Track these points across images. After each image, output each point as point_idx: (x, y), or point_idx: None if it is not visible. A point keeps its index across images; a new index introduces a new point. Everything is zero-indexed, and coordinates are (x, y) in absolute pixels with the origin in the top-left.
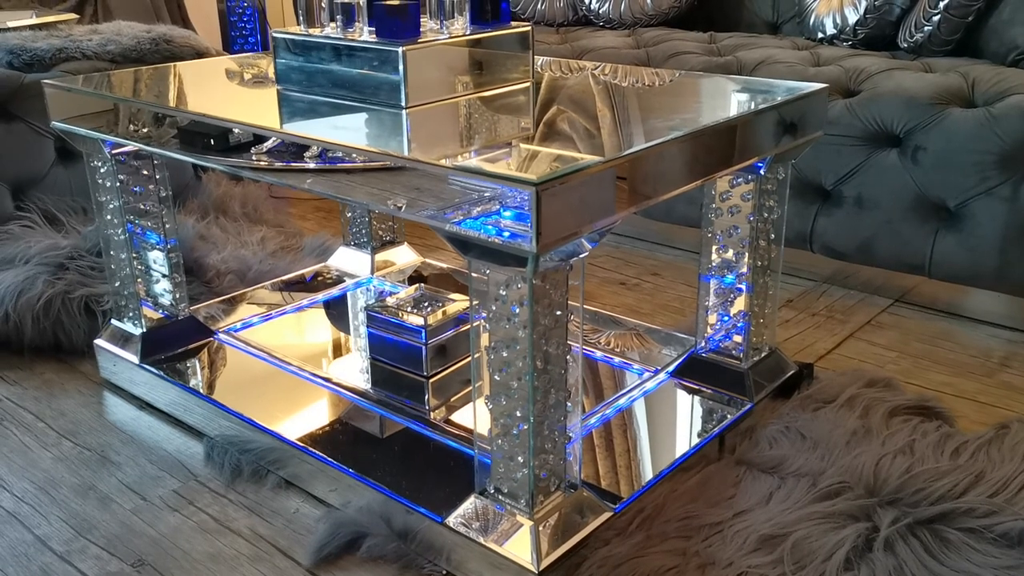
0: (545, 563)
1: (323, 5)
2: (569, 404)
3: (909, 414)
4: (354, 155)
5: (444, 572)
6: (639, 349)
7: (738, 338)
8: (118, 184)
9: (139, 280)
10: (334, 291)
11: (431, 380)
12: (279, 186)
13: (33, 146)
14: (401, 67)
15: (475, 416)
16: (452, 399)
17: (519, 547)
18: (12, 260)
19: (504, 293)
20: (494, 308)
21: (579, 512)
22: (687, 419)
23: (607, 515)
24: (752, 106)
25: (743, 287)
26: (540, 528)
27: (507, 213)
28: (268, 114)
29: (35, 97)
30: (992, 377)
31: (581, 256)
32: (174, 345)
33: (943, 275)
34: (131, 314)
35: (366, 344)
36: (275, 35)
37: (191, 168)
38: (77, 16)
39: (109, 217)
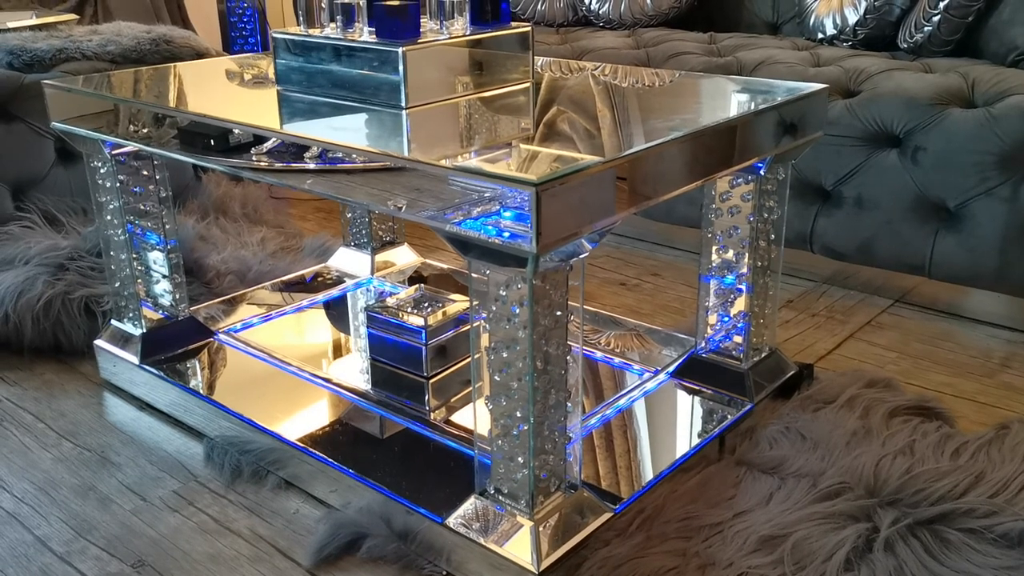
0: (545, 564)
1: (323, 5)
2: (569, 404)
3: (909, 415)
4: (354, 156)
5: (444, 573)
6: (639, 349)
7: (738, 338)
8: (118, 185)
9: (139, 281)
10: (334, 292)
11: (431, 381)
12: (279, 187)
13: (33, 147)
14: (401, 67)
15: (475, 417)
16: (452, 400)
17: (519, 548)
18: (12, 261)
19: (504, 293)
20: (494, 308)
21: (579, 513)
22: (687, 419)
23: (607, 516)
24: (752, 106)
25: (743, 287)
26: (540, 529)
27: (507, 213)
28: (268, 115)
29: (35, 97)
30: (992, 377)
31: (581, 256)
32: (174, 346)
33: (943, 275)
34: (131, 315)
35: (366, 345)
36: (275, 35)
37: (191, 169)
38: (77, 17)
39: (109, 218)
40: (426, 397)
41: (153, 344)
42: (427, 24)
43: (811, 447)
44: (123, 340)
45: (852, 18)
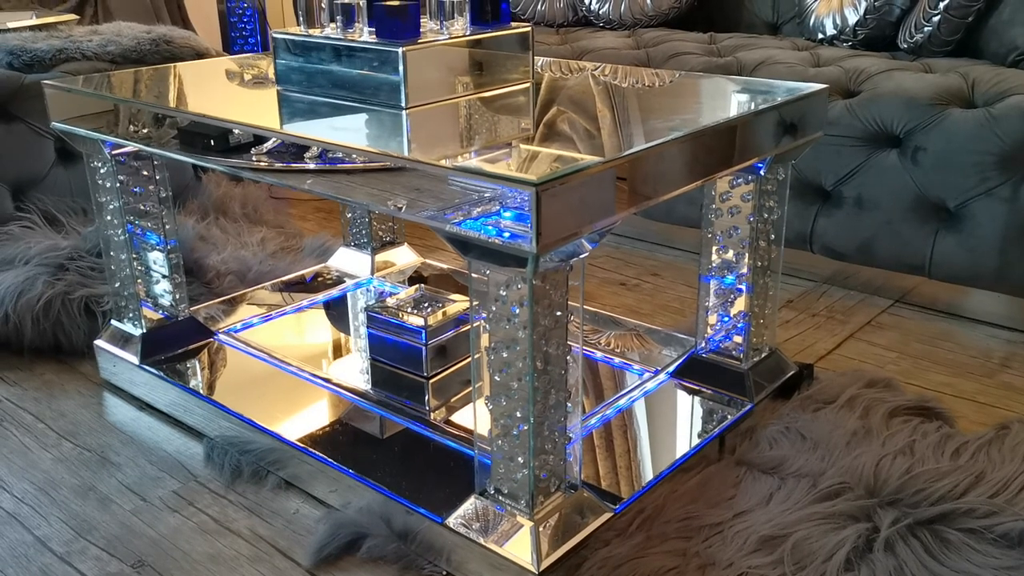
0: (545, 564)
1: (323, 6)
2: (569, 405)
3: (909, 415)
4: (354, 156)
5: (444, 573)
6: (639, 350)
7: (738, 339)
8: (118, 185)
9: (139, 281)
10: (334, 292)
11: (431, 381)
12: (279, 187)
13: (33, 147)
14: (401, 68)
15: (475, 417)
16: (452, 400)
17: (519, 548)
18: (12, 261)
19: (504, 294)
20: (494, 309)
21: (579, 513)
22: (687, 420)
23: (607, 516)
24: (752, 107)
25: (743, 288)
26: (540, 529)
27: (507, 214)
28: (268, 115)
29: (35, 98)
30: (992, 378)
31: (581, 256)
32: (174, 346)
33: (943, 276)
34: (131, 315)
35: (366, 345)
36: (275, 36)
37: (191, 169)
38: (77, 17)
39: (109, 218)
40: (426, 397)
41: (153, 344)
42: (427, 24)
43: (811, 447)
44: (123, 340)
45: (852, 18)
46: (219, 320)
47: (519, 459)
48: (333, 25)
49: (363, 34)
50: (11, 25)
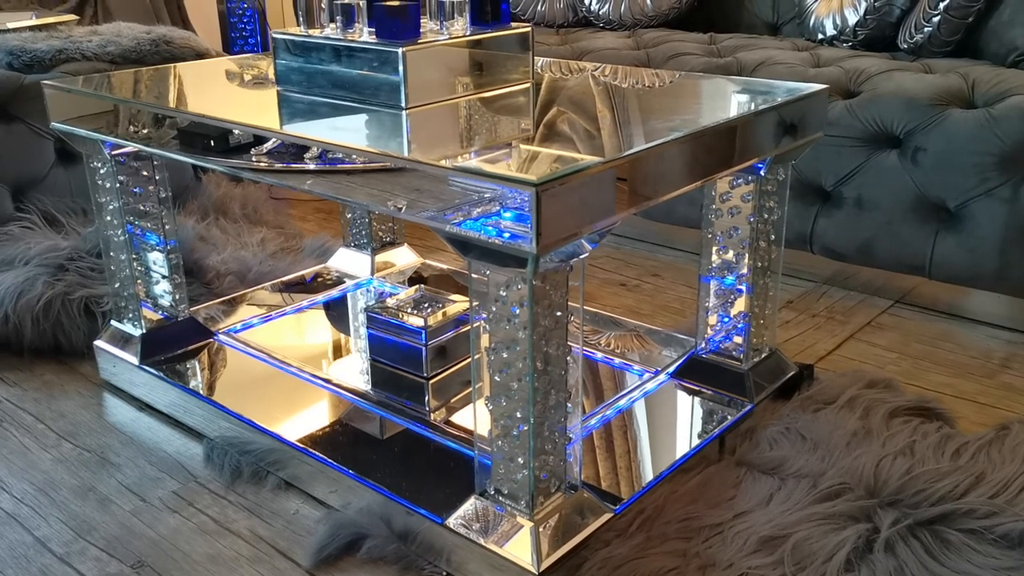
0: (545, 564)
1: (323, 6)
2: (569, 405)
3: (909, 415)
4: (354, 156)
5: (444, 573)
6: (639, 350)
7: (738, 339)
8: (118, 185)
9: (139, 281)
10: (334, 292)
11: (431, 381)
12: (279, 187)
13: (33, 147)
14: (401, 68)
15: (475, 417)
16: (452, 400)
17: (519, 548)
18: (12, 261)
19: (504, 294)
20: (494, 309)
21: (579, 513)
22: (687, 420)
23: (607, 516)
24: (752, 107)
25: (743, 288)
26: (540, 529)
27: (507, 214)
28: (268, 115)
29: (35, 98)
30: (992, 378)
31: (581, 257)
32: (174, 346)
33: (943, 276)
34: (131, 315)
35: (366, 345)
36: (275, 36)
37: (191, 169)
38: (77, 17)
39: (109, 218)
40: (426, 398)
41: (153, 345)
42: (427, 24)
43: (811, 448)
44: (123, 341)
45: (852, 19)
46: (219, 320)
47: (519, 459)
48: (333, 25)
49: (363, 34)
50: (11, 25)
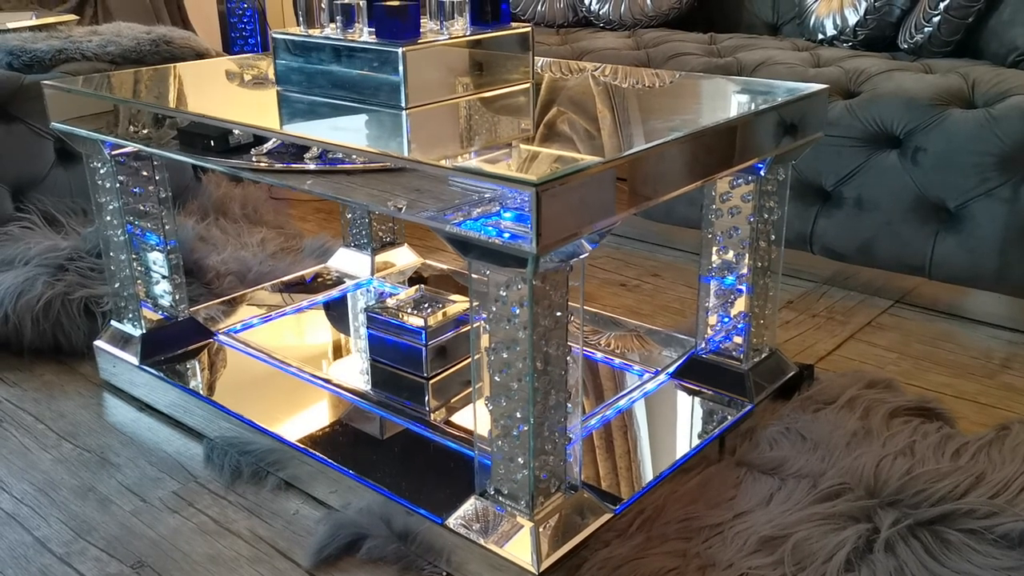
0: (545, 564)
1: (323, 6)
2: (569, 405)
3: (910, 415)
4: (354, 156)
5: (444, 573)
6: (639, 350)
7: (738, 339)
8: (118, 185)
9: (139, 281)
10: (334, 292)
11: (431, 381)
12: (279, 187)
13: (33, 147)
14: (401, 68)
15: (475, 417)
16: (452, 400)
17: (519, 548)
18: (12, 261)
19: (504, 294)
20: (494, 309)
21: (579, 513)
22: (687, 420)
23: (607, 516)
24: (752, 107)
25: (743, 288)
26: (540, 529)
27: (507, 214)
28: (268, 115)
29: (35, 98)
30: (993, 378)
31: (581, 257)
32: (174, 346)
33: (943, 276)
34: (131, 315)
35: (366, 345)
36: (275, 36)
37: (191, 169)
38: (77, 17)
39: (109, 218)
40: (426, 398)
41: (153, 345)
42: (427, 24)
43: (811, 448)
44: (123, 341)
45: (852, 19)
46: (219, 321)
47: (519, 460)
48: (333, 25)
49: (363, 34)
50: (11, 25)
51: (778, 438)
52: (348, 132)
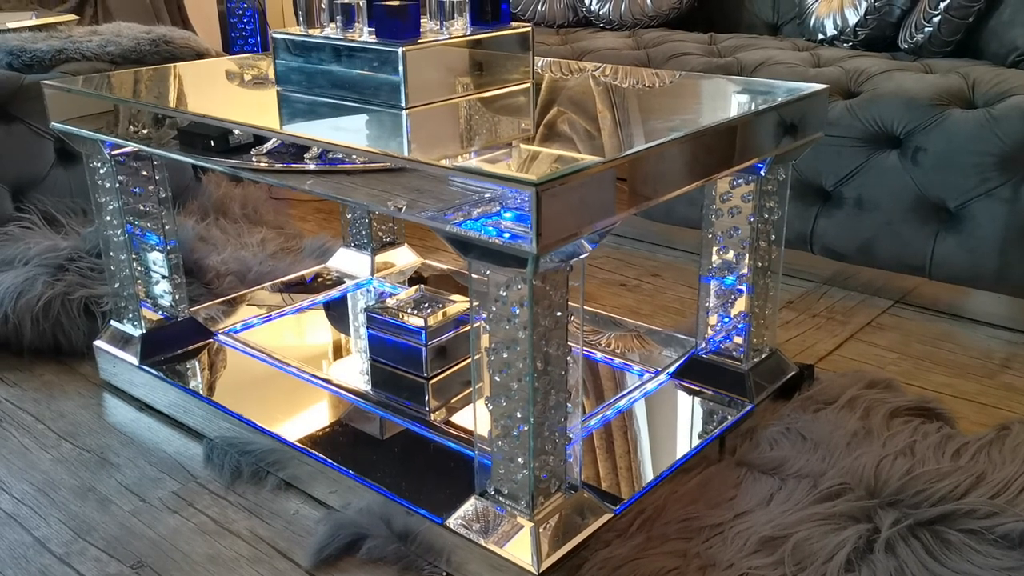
0: (545, 565)
1: (323, 6)
2: (569, 405)
3: (910, 415)
4: (354, 156)
5: (444, 574)
6: (639, 350)
7: (738, 339)
8: (118, 185)
9: (139, 281)
10: (334, 292)
11: (431, 381)
12: (279, 187)
13: (33, 147)
14: (401, 68)
15: (475, 417)
16: (452, 400)
17: (519, 548)
18: (12, 261)
19: (504, 294)
20: (494, 309)
21: (579, 513)
22: (687, 420)
23: (607, 516)
24: (752, 107)
25: (743, 288)
26: (540, 530)
27: (507, 214)
28: (268, 115)
29: (35, 98)
30: (993, 378)
31: (581, 257)
32: (174, 346)
33: (943, 276)
34: (131, 315)
35: (366, 345)
36: (275, 36)
37: (191, 169)
38: (77, 17)
39: (109, 218)
40: (426, 398)
41: (153, 345)
42: (427, 24)
43: (812, 448)
44: (123, 341)
45: (852, 19)
46: (219, 321)
47: (519, 460)
48: (333, 25)
49: (363, 34)
50: (11, 25)
51: (778, 438)
52: (348, 132)
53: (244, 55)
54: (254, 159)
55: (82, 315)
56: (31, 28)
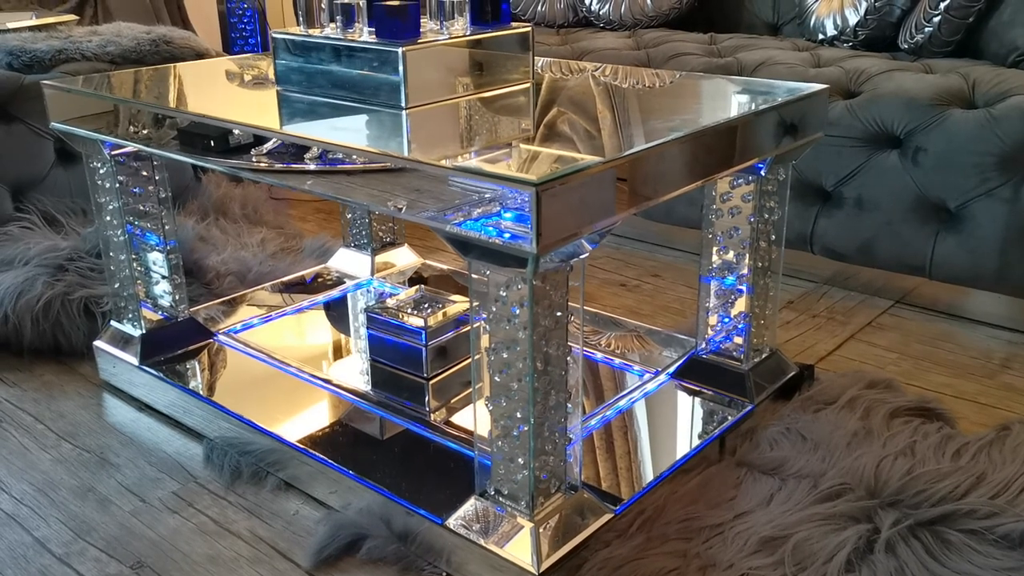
0: (545, 565)
1: (323, 6)
2: (569, 406)
3: (910, 415)
4: (354, 156)
5: (444, 574)
6: (639, 350)
7: (739, 339)
8: (117, 185)
9: (139, 281)
10: (334, 292)
11: (431, 382)
12: (279, 187)
13: (33, 147)
14: (401, 68)
15: (475, 418)
16: (452, 400)
17: (519, 549)
18: (12, 262)
19: (504, 294)
20: (494, 309)
21: (579, 514)
22: (688, 420)
23: (607, 517)
24: (752, 107)
25: (744, 288)
26: (540, 530)
27: (507, 214)
28: (268, 115)
29: (35, 98)
30: (993, 378)
31: (581, 257)
32: (174, 347)
33: (943, 276)
34: (131, 316)
35: (366, 346)
36: (275, 36)
37: (191, 169)
38: (77, 17)
39: (109, 218)
40: (426, 398)
41: (153, 345)
42: (427, 24)
43: (812, 448)
44: (123, 341)
45: (853, 19)
46: (219, 321)
47: (519, 460)
48: (333, 25)
49: (363, 34)
50: (11, 25)
51: (778, 438)
52: (348, 132)
53: (244, 55)
54: (254, 159)
55: (82, 315)
56: (31, 28)
